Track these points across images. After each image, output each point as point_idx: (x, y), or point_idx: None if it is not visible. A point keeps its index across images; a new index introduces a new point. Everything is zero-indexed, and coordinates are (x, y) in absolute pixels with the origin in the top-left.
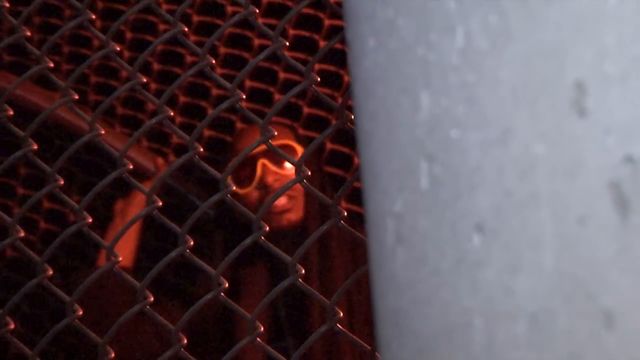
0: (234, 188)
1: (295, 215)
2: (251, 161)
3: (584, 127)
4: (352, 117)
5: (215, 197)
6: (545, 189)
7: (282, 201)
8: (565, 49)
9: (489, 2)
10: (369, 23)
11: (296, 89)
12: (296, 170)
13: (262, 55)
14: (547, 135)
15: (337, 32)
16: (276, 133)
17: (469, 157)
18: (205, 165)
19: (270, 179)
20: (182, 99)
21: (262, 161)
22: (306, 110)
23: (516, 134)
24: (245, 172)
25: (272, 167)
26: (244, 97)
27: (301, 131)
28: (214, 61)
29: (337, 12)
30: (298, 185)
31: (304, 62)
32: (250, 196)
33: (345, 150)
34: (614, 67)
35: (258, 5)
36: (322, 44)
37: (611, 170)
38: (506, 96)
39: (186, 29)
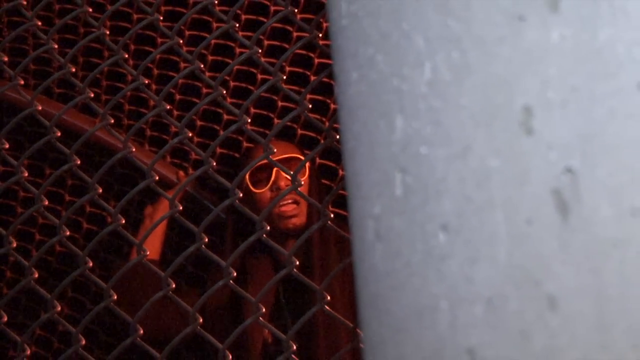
0: (253, 188)
1: (299, 220)
2: (268, 168)
3: (531, 144)
4: (338, 137)
5: (226, 203)
6: (499, 195)
7: (290, 207)
8: (515, 80)
9: (452, 41)
10: (353, 59)
11: (292, 114)
12: (292, 180)
13: (264, 87)
14: (501, 150)
15: (325, 68)
16: (276, 150)
17: (436, 170)
18: (218, 177)
19: (282, 183)
20: (199, 122)
21: (277, 168)
22: (300, 131)
23: (475, 150)
24: (262, 175)
25: (284, 173)
26: (249, 121)
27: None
28: (224, 92)
29: (325, 52)
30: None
31: (298, 93)
32: (264, 195)
33: (332, 164)
34: (556, 94)
35: (260, 46)
36: (312, 78)
37: (553, 179)
38: (466, 119)
39: (202, 66)
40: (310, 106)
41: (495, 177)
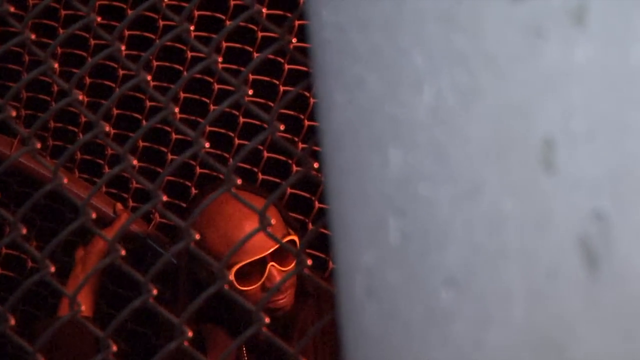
0: (238, 285)
1: (288, 305)
2: (261, 262)
3: (553, 183)
4: (316, 165)
5: (179, 246)
6: (515, 243)
7: (280, 301)
8: (534, 107)
9: (458, 60)
10: (338, 79)
11: (260, 137)
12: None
13: (226, 104)
14: (516, 190)
15: (296, 76)
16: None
17: (438, 213)
18: (169, 214)
19: (277, 279)
20: (142, 143)
21: (271, 264)
22: (266, 154)
23: (485, 189)
24: (253, 270)
25: (280, 270)
26: (207, 145)
27: (261, 176)
28: (177, 109)
29: (296, 59)
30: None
31: (265, 108)
32: (254, 295)
33: (305, 194)
34: (582, 124)
35: (217, 49)
36: (282, 88)
37: (579, 225)
38: (475, 152)
39: (150, 77)
40: (282, 127)
41: (509, 223)
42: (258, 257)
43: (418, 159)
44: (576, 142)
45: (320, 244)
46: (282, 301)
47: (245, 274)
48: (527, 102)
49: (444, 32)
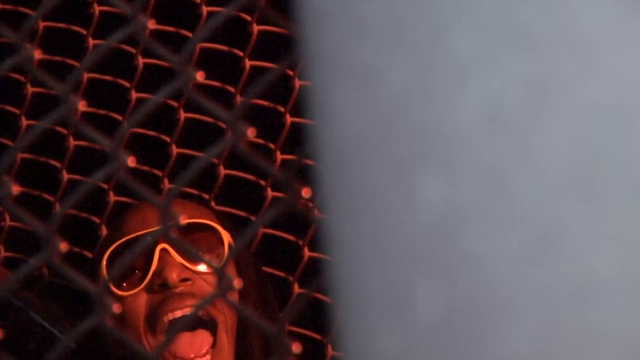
0: (116, 289)
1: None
2: (147, 246)
3: None
4: (306, 191)
5: (88, 325)
6: (609, 320)
7: (195, 346)
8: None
9: (523, 43)
10: (342, 67)
11: (215, 150)
12: (217, 278)
13: (161, 95)
14: (613, 239)
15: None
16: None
17: (493, 275)
18: (68, 272)
19: (174, 276)
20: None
21: (162, 247)
22: (223, 171)
23: (565, 238)
24: (136, 263)
25: (178, 257)
26: (131, 162)
27: (215, 205)
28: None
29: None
30: (225, 309)
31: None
32: (139, 301)
33: (289, 236)
34: None
35: None
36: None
37: None
38: (550, 181)
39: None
40: (250, 131)
41: (601, 288)
42: (139, 233)
43: (462, 192)
44: None
45: (315, 320)
46: (194, 351)
47: (124, 273)
48: (631, 104)
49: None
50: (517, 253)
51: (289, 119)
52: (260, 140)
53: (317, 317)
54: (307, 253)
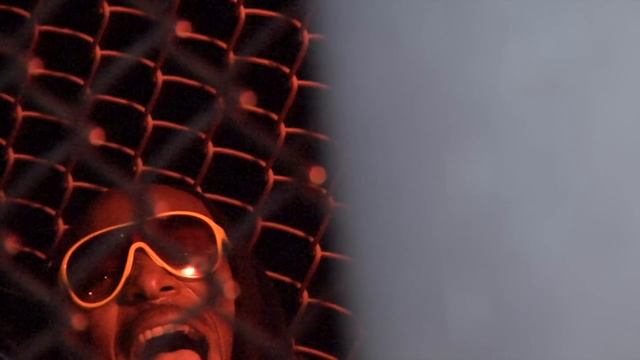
0: (80, 301)
1: None
2: (118, 245)
3: None
4: (317, 173)
5: (42, 343)
6: None
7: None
8: None
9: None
10: (360, 26)
11: (210, 116)
12: (207, 285)
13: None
14: None
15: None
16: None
17: (548, 280)
18: (16, 275)
19: (153, 283)
20: None
21: (137, 246)
22: (212, 149)
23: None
24: (105, 267)
25: (158, 260)
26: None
27: (201, 190)
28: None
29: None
30: (218, 324)
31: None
32: (109, 315)
33: (297, 232)
34: None
35: None
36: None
37: None
38: (619, 162)
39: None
40: (246, 97)
41: None
42: (108, 229)
43: (505, 176)
44: None
45: (328, 336)
46: None
47: (90, 280)
48: None
49: None
50: (574, 251)
51: (295, 82)
52: (259, 109)
53: (331, 332)
54: (319, 253)
